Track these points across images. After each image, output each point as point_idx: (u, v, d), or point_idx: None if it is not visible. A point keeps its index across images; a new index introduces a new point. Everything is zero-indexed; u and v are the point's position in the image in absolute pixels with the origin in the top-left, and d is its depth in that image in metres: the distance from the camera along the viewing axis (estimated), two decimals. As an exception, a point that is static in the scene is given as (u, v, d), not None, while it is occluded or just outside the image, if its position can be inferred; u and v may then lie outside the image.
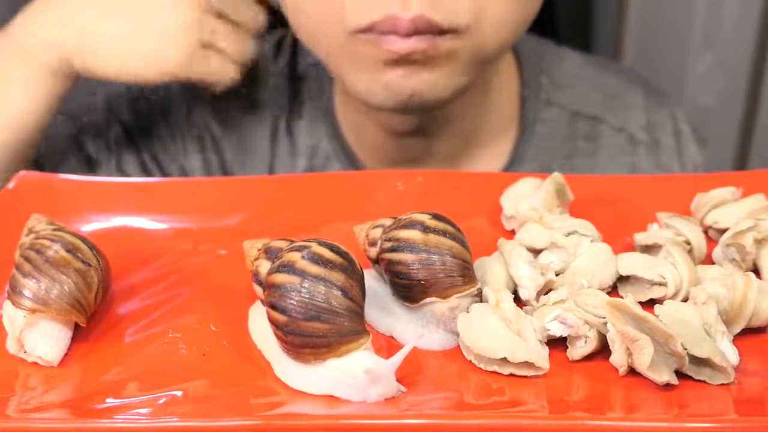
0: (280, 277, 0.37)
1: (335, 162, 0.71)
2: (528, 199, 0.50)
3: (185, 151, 0.73)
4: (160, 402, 0.36)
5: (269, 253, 0.41)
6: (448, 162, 0.69)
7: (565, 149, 0.71)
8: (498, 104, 0.70)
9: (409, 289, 0.41)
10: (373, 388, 0.36)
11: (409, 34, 0.54)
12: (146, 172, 0.74)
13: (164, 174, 0.73)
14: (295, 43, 0.74)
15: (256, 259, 0.41)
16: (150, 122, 0.73)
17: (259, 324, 0.41)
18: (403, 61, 0.55)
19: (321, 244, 0.38)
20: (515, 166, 0.70)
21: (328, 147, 0.71)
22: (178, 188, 0.54)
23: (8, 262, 0.43)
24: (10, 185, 0.52)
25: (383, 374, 0.36)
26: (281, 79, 0.73)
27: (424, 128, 0.66)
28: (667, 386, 0.37)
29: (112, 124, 0.73)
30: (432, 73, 0.56)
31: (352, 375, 0.36)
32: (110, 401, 0.37)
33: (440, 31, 0.54)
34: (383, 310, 0.42)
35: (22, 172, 0.53)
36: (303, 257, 0.37)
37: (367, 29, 0.55)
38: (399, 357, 0.37)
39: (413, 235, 0.40)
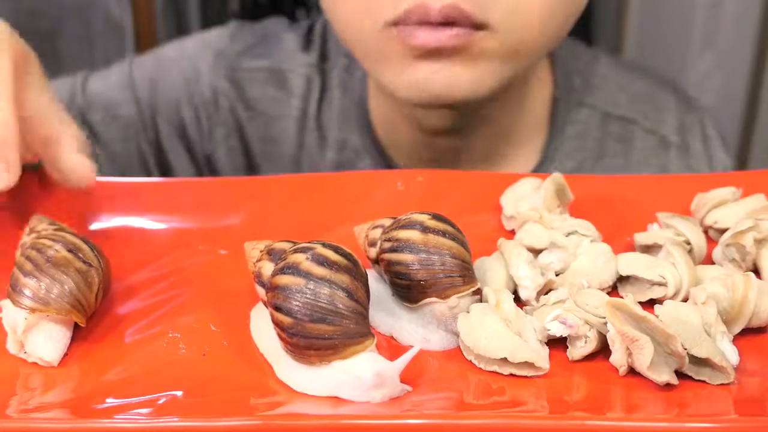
0: (285, 279, 0.37)
1: (365, 157, 0.70)
2: (528, 199, 0.50)
3: (210, 135, 0.72)
4: (160, 402, 0.36)
5: (272, 254, 0.40)
6: (480, 162, 0.68)
7: (597, 150, 0.71)
8: (532, 105, 0.69)
9: (408, 290, 0.41)
10: (378, 390, 0.36)
11: (440, 23, 0.53)
12: (164, 155, 0.72)
13: (186, 158, 0.72)
14: (326, 33, 0.73)
15: (259, 260, 0.41)
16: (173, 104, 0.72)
17: (261, 326, 0.41)
18: (432, 54, 0.54)
19: (325, 245, 0.38)
20: (545, 166, 0.69)
21: (358, 141, 0.70)
22: (178, 188, 0.54)
23: (8, 262, 0.43)
24: (10, 185, 0.52)
25: (389, 376, 0.36)
26: (313, 69, 0.72)
27: (459, 127, 0.65)
28: (667, 386, 0.37)
29: (130, 103, 0.72)
30: (462, 70, 0.55)
31: (358, 377, 0.36)
32: (110, 401, 0.37)
33: (472, 25, 0.53)
34: (383, 310, 0.42)
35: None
36: (308, 259, 0.37)
37: (399, 21, 0.54)
38: (405, 359, 0.36)
39: (412, 235, 0.40)
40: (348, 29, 0.59)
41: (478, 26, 0.54)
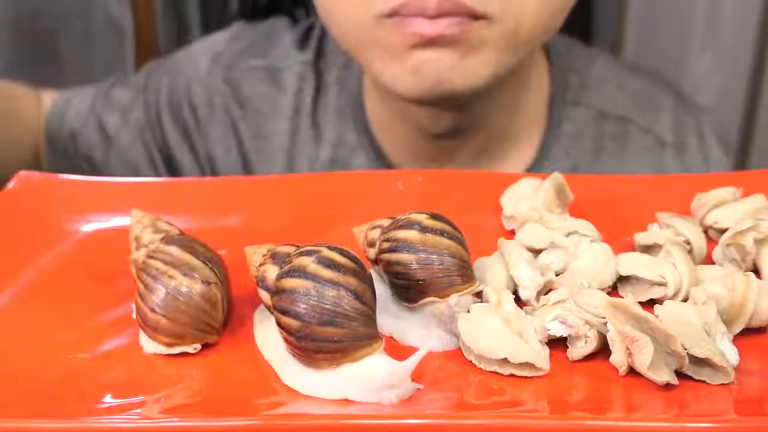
0: (292, 282, 0.37)
1: (361, 154, 0.70)
2: (528, 199, 0.50)
3: (208, 135, 0.73)
4: (160, 402, 0.36)
5: (276, 258, 0.40)
6: (475, 160, 0.68)
7: (593, 149, 0.71)
8: (528, 102, 0.69)
9: (408, 290, 0.40)
10: (391, 390, 0.36)
11: (436, 16, 0.52)
12: (172, 156, 0.74)
13: (191, 157, 0.73)
14: (323, 33, 0.73)
15: (262, 264, 0.41)
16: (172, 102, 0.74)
17: (264, 330, 0.41)
18: (429, 44, 0.54)
19: (331, 248, 0.37)
20: (541, 164, 0.69)
21: (354, 139, 0.70)
22: (177, 188, 0.54)
23: (9, 263, 0.43)
24: (10, 185, 0.52)
25: (401, 376, 0.36)
26: (307, 66, 0.72)
27: (456, 129, 0.65)
28: (667, 386, 0.37)
29: (140, 107, 0.74)
30: (461, 58, 0.55)
31: (369, 378, 0.36)
32: (110, 401, 0.37)
33: (471, 15, 0.53)
34: (383, 310, 0.42)
35: (22, 172, 0.53)
36: (314, 262, 0.37)
37: (393, 13, 0.54)
38: (415, 359, 0.36)
39: (410, 235, 0.40)
40: (341, 22, 0.59)
41: (477, 16, 0.53)
